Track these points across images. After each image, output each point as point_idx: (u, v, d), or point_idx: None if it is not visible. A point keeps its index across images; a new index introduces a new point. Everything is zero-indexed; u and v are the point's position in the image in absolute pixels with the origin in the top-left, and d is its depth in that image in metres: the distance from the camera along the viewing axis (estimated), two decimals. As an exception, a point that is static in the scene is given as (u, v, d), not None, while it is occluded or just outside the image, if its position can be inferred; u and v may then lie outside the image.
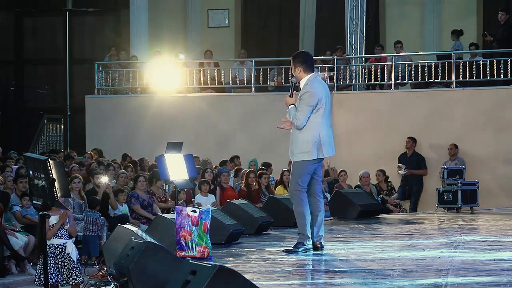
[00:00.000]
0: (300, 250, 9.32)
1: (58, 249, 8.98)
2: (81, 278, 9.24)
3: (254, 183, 15.76)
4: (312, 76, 9.46)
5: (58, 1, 24.96)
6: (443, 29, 22.53)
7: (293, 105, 9.37)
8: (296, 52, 9.78)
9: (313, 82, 9.44)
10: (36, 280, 9.07)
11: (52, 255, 8.95)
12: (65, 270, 9.06)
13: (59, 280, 9.02)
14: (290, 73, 9.71)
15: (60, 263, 9.04)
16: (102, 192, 14.17)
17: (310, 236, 9.33)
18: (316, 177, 9.46)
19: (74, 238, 9.64)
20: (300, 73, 9.45)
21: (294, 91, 9.51)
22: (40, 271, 9.00)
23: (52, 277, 8.91)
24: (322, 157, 9.37)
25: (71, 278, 9.09)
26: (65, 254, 9.11)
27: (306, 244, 9.32)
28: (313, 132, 9.28)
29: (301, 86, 9.47)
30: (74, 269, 9.15)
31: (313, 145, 9.27)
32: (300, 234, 9.42)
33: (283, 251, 9.50)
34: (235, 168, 17.51)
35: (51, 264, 8.93)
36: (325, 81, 17.79)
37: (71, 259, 9.14)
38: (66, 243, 9.16)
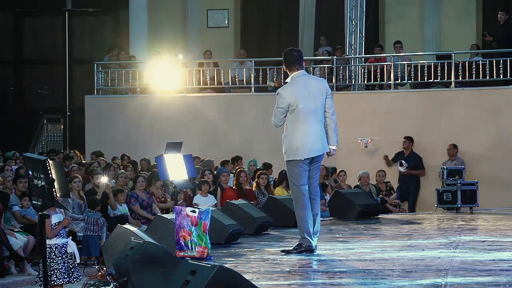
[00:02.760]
0: (297, 251, 9.32)
1: (64, 248, 9.00)
2: (81, 276, 9.25)
3: (246, 183, 15.80)
4: (296, 75, 9.37)
5: (58, 1, 24.97)
6: (442, 29, 22.52)
7: None
8: (285, 50, 9.73)
9: (290, 82, 9.36)
10: (41, 281, 9.06)
11: (60, 255, 8.95)
12: (67, 269, 9.06)
13: (69, 278, 9.01)
14: None
15: (66, 262, 9.03)
16: (101, 192, 14.17)
17: (310, 238, 9.31)
18: (310, 179, 9.41)
19: (71, 237, 9.65)
20: (286, 70, 9.49)
21: None
22: (48, 272, 8.99)
23: (65, 277, 8.90)
24: (298, 158, 9.24)
25: (73, 277, 9.09)
26: (68, 254, 9.10)
27: (305, 246, 9.31)
28: (288, 133, 9.30)
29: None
30: (75, 268, 9.16)
31: (290, 146, 9.25)
32: (300, 236, 9.41)
33: (281, 251, 9.50)
34: (237, 168, 17.49)
35: (61, 264, 8.92)
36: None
37: (72, 257, 9.14)
38: (67, 242, 9.17)
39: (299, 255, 9.17)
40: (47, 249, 8.97)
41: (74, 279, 9.09)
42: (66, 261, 8.96)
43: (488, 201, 17.16)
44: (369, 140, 18.65)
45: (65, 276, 8.92)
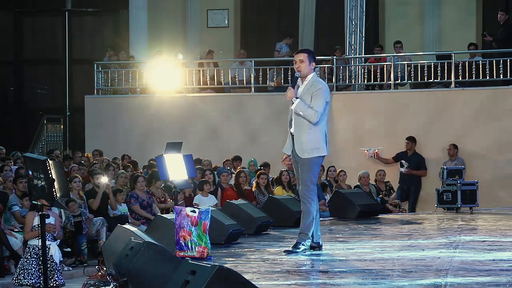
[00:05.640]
0: (300, 250, 9.31)
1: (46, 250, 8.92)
2: (62, 281, 9.18)
3: (245, 183, 15.82)
4: (315, 75, 9.51)
5: (58, 1, 24.97)
6: (442, 29, 22.52)
7: (299, 99, 9.32)
8: (307, 48, 9.77)
9: (320, 79, 9.52)
10: (14, 279, 9.03)
11: (35, 256, 8.89)
12: (49, 272, 8.96)
13: (40, 282, 8.92)
14: (297, 66, 9.52)
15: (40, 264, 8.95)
16: (101, 192, 14.16)
17: (310, 236, 9.34)
18: None
19: (58, 240, 9.58)
20: (312, 68, 9.45)
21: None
22: (19, 271, 8.96)
23: (32, 278, 8.86)
24: (324, 154, 9.37)
25: (52, 280, 9.03)
26: (48, 256, 9.02)
27: (305, 244, 9.32)
28: (322, 128, 9.33)
29: (307, 81, 9.40)
30: (56, 271, 9.09)
31: (323, 141, 9.32)
32: (301, 234, 9.39)
33: (284, 251, 9.48)
34: (237, 168, 17.49)
35: (33, 265, 8.87)
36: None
37: (54, 261, 9.07)
38: (50, 244, 9.10)
39: (299, 255, 9.17)
40: (26, 248, 8.94)
41: (53, 282, 9.02)
42: (41, 263, 8.83)
43: (488, 201, 17.17)
44: (376, 151, 18.66)
45: (34, 278, 8.84)
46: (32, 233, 8.98)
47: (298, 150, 9.32)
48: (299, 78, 9.42)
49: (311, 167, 9.31)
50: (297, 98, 9.27)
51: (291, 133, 9.43)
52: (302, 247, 9.33)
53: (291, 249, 9.41)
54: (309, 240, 9.36)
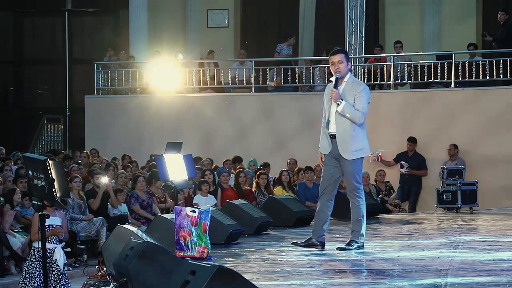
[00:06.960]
0: (353, 247, 9.38)
1: (49, 253, 8.84)
2: (68, 286, 9.12)
3: (245, 183, 15.84)
4: (351, 74, 9.69)
5: (58, 1, 24.98)
6: (442, 29, 22.52)
7: (344, 101, 9.32)
8: (342, 48, 9.82)
9: (358, 79, 9.67)
10: (21, 283, 8.96)
11: (40, 259, 8.82)
12: (52, 275, 8.90)
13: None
14: (336, 67, 9.51)
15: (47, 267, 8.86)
16: (101, 192, 14.15)
17: (363, 233, 9.42)
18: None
19: (64, 243, 9.53)
20: (349, 68, 9.56)
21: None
22: (25, 274, 8.90)
23: (35, 282, 8.81)
24: (367, 154, 9.49)
25: (60, 285, 8.97)
26: (53, 259, 8.98)
27: (359, 242, 9.42)
28: (364, 128, 9.45)
29: (345, 81, 9.50)
30: (62, 275, 9.03)
31: (366, 141, 9.47)
32: (354, 232, 9.48)
33: (337, 248, 9.46)
34: (237, 168, 17.48)
35: (37, 269, 8.79)
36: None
37: (58, 266, 9.01)
38: (55, 247, 9.04)
39: (353, 251, 9.27)
40: (31, 250, 8.87)
41: (62, 287, 8.97)
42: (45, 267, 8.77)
43: (488, 201, 17.17)
44: (380, 154, 18.65)
45: (37, 281, 8.77)
46: (37, 234, 8.92)
47: (342, 151, 9.42)
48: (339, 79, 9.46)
49: (356, 168, 9.50)
50: (342, 100, 9.31)
51: (330, 133, 9.47)
52: (355, 245, 9.41)
53: (344, 246, 9.43)
54: (362, 237, 9.45)
